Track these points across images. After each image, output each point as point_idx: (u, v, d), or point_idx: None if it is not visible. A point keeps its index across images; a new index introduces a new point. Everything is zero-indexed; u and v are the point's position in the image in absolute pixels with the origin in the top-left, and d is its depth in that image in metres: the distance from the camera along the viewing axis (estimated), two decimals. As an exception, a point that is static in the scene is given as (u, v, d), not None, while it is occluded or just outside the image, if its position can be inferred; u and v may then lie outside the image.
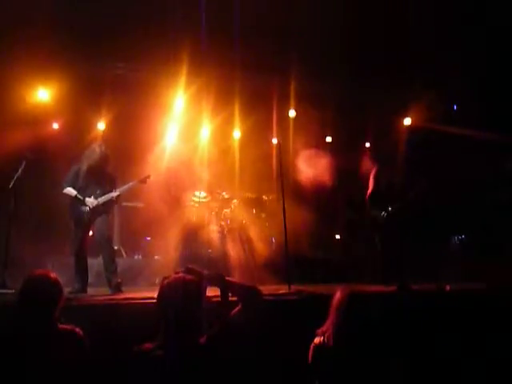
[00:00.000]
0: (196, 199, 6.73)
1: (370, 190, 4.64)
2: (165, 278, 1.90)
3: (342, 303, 2.25)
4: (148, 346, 1.81)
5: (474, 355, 3.09)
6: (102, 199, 4.31)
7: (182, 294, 1.80)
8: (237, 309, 1.94)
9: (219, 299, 2.02)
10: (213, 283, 2.00)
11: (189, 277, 1.89)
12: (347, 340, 2.18)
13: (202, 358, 1.77)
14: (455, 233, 5.84)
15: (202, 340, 1.83)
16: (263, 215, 6.63)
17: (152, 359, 1.76)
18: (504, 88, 5.51)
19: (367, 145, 7.33)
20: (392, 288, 4.07)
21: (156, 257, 6.43)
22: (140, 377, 1.75)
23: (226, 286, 2.01)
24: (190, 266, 1.96)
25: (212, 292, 2.06)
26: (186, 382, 1.71)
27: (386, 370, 2.14)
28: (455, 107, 6.47)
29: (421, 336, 3.12)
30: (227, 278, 2.03)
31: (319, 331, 2.32)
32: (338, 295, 2.31)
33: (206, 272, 1.98)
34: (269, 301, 3.54)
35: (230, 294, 2.03)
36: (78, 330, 2.09)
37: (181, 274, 1.90)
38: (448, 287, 3.94)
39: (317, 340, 2.29)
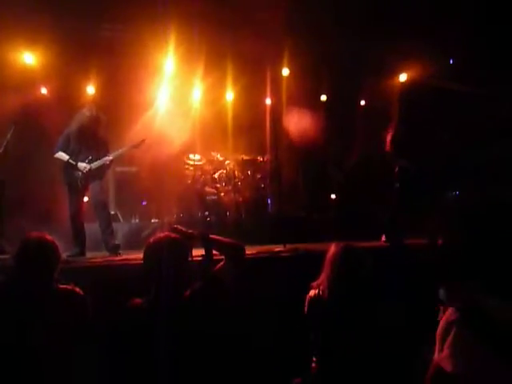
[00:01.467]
0: (190, 162, 6.71)
1: (390, 139, 4.57)
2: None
3: (336, 257, 2.32)
4: (137, 300, 1.93)
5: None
6: (95, 164, 4.28)
7: (166, 252, 1.88)
8: (220, 264, 2.02)
9: (204, 257, 2.09)
10: (197, 241, 2.06)
11: (173, 235, 1.97)
12: (341, 292, 2.25)
13: (186, 310, 1.86)
14: (451, 189, 5.87)
15: (187, 294, 1.91)
16: (258, 176, 6.63)
17: (140, 312, 1.87)
18: (501, 40, 5.38)
19: (362, 102, 7.23)
20: (385, 243, 4.15)
21: (153, 220, 6.49)
22: (130, 328, 1.85)
23: (210, 244, 2.08)
24: (175, 226, 2.05)
25: (199, 251, 2.12)
26: (171, 332, 1.79)
27: (379, 321, 2.22)
28: (451, 61, 6.33)
29: (411, 288, 3.20)
30: (211, 236, 2.09)
31: (314, 284, 2.39)
32: (332, 249, 2.38)
33: (190, 231, 2.05)
34: (264, 258, 3.63)
35: (214, 252, 2.12)
36: (78, 289, 2.14)
37: (165, 234, 1.97)
38: (440, 242, 4.01)
39: (312, 292, 2.36)
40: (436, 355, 1.48)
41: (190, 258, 1.99)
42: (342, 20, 5.72)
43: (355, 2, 5.43)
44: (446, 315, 1.49)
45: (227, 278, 1.97)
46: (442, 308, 1.67)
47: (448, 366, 1.42)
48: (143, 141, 4.57)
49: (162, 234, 1.99)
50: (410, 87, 5.98)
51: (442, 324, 1.50)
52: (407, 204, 4.60)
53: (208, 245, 2.10)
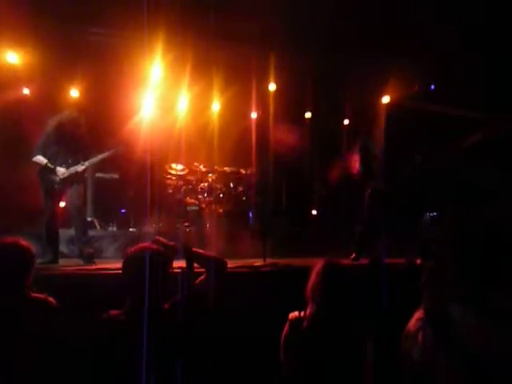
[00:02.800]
0: (173, 171, 6.64)
1: (359, 163, 4.66)
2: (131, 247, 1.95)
3: (320, 275, 2.25)
4: (114, 312, 1.88)
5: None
6: (73, 169, 4.19)
7: (147, 263, 1.83)
8: (201, 278, 1.99)
9: (185, 269, 2.06)
10: (179, 254, 2.03)
11: (154, 246, 1.94)
12: (326, 313, 2.18)
13: (164, 322, 1.83)
14: (428, 210, 5.98)
15: (166, 306, 1.88)
16: (241, 189, 6.61)
17: (117, 324, 1.81)
18: (481, 68, 5.57)
19: (346, 122, 7.34)
20: (364, 261, 4.17)
21: (131, 229, 6.37)
22: (107, 341, 1.79)
23: (192, 257, 2.05)
24: (157, 237, 2.01)
25: (179, 264, 2.09)
26: (148, 345, 1.75)
27: (362, 343, 2.17)
28: (433, 87, 6.51)
29: (392, 308, 3.21)
30: (194, 249, 2.07)
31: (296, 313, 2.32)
32: (317, 267, 2.30)
33: (172, 243, 2.01)
34: (244, 273, 3.58)
35: (196, 266, 2.09)
36: (51, 299, 2.06)
37: (146, 244, 1.94)
38: (418, 261, 4.06)
39: (293, 314, 2.29)
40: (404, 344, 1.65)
41: (170, 270, 1.95)
42: (327, 40, 5.83)
43: (340, 23, 5.54)
44: (418, 313, 1.67)
45: (208, 293, 1.94)
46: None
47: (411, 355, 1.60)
48: (121, 148, 4.51)
49: (142, 245, 1.94)
50: (390, 109, 6.12)
51: (413, 319, 1.68)
52: (381, 225, 4.68)
53: (190, 258, 2.07)
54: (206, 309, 1.94)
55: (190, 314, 1.88)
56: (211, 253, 2.12)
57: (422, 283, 1.79)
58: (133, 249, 1.94)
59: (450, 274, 1.68)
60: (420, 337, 1.62)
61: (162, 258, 1.92)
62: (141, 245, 1.95)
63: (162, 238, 2.04)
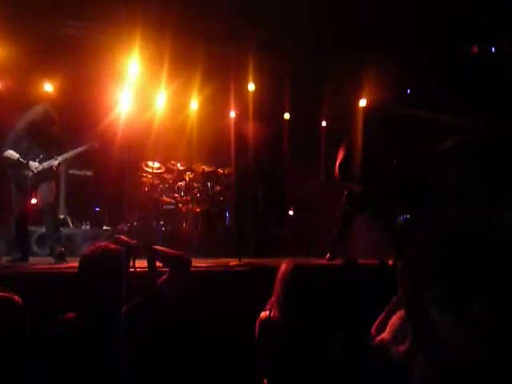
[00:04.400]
0: (149, 169, 6.56)
1: (338, 162, 4.72)
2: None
3: (286, 276, 2.26)
4: (70, 315, 1.80)
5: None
6: (46, 164, 4.08)
7: (101, 263, 1.77)
8: (163, 277, 1.95)
9: (147, 269, 2.01)
10: (140, 253, 1.98)
11: (112, 246, 1.87)
12: (291, 313, 2.19)
13: (123, 326, 1.75)
14: (401, 212, 6.10)
15: (124, 309, 1.81)
16: (218, 188, 6.59)
17: (72, 328, 1.74)
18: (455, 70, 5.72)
19: (323, 123, 7.42)
20: (338, 261, 4.23)
21: (105, 227, 6.25)
22: (61, 345, 1.72)
23: (153, 256, 2.00)
24: (117, 236, 1.96)
25: (142, 263, 2.04)
26: (104, 350, 1.69)
27: (331, 342, 2.19)
28: (409, 91, 6.65)
29: (363, 308, 3.26)
30: (155, 247, 2.02)
31: (267, 306, 2.34)
32: (282, 268, 2.31)
33: (133, 242, 1.96)
34: (218, 271, 3.57)
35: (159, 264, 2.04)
36: (16, 298, 1.99)
37: (103, 244, 1.87)
38: (390, 262, 4.14)
39: (262, 314, 2.30)
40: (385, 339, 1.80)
41: (131, 270, 1.89)
42: (304, 42, 5.88)
43: (318, 24, 5.58)
44: (400, 313, 1.79)
45: (171, 292, 1.89)
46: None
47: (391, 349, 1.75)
48: (94, 145, 4.42)
49: (99, 244, 1.87)
50: (367, 112, 6.22)
51: (394, 317, 1.81)
52: (357, 226, 4.77)
53: (152, 256, 2.01)
54: (168, 310, 1.88)
55: (151, 316, 1.82)
56: (175, 251, 2.06)
57: (398, 281, 1.87)
58: (89, 248, 1.87)
59: (425, 276, 1.76)
60: (400, 336, 1.73)
61: (118, 257, 1.84)
62: (98, 244, 1.87)
63: (122, 237, 1.97)
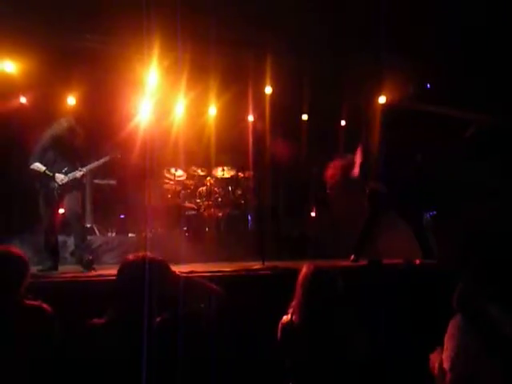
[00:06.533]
0: (171, 176, 6.66)
1: (359, 161, 4.67)
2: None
3: (306, 280, 2.26)
4: (97, 321, 1.81)
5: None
6: (71, 175, 4.20)
7: (142, 271, 1.78)
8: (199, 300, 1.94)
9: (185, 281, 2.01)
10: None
11: (151, 256, 1.88)
12: (311, 317, 2.19)
13: (153, 337, 1.75)
14: (426, 210, 5.97)
15: (155, 321, 1.81)
16: (239, 192, 6.62)
17: (99, 334, 1.76)
18: (478, 65, 5.58)
19: (343, 123, 7.35)
20: (362, 263, 4.17)
21: (130, 234, 6.37)
22: (87, 350, 1.74)
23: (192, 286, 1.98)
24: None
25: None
26: (129, 359, 1.69)
27: (351, 345, 2.17)
28: (428, 86, 6.52)
29: (389, 310, 3.20)
30: (194, 279, 2.01)
31: (289, 309, 2.33)
32: (303, 271, 2.31)
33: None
34: (242, 275, 3.59)
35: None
36: (45, 305, 2.05)
37: (143, 253, 1.88)
38: (418, 261, 4.07)
39: (284, 318, 2.30)
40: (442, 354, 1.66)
41: (167, 283, 1.88)
42: (323, 41, 5.85)
43: (337, 24, 5.55)
44: (454, 320, 1.67)
45: (203, 317, 1.90)
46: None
47: (448, 365, 1.60)
48: (117, 155, 4.53)
49: (141, 253, 1.90)
50: (387, 109, 6.13)
51: (449, 327, 1.68)
52: (381, 225, 4.69)
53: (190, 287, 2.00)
54: (200, 331, 1.87)
55: (181, 334, 1.80)
56: (211, 285, 2.05)
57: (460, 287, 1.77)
58: (130, 256, 1.90)
59: (481, 277, 1.70)
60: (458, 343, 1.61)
61: (160, 267, 1.86)
62: (139, 253, 1.90)
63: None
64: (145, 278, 1.78)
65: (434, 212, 6.17)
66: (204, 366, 1.88)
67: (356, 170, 4.69)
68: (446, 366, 1.62)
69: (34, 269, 3.94)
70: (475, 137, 5.10)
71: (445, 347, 1.67)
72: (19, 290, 2.01)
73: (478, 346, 1.55)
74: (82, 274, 3.77)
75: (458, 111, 5.75)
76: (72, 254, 4.18)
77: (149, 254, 1.90)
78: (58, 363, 1.84)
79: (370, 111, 6.05)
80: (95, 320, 1.82)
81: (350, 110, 6.88)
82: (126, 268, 1.86)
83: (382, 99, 6.47)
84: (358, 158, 4.69)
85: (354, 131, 6.33)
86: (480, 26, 5.25)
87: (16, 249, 2.09)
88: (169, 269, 1.92)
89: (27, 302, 2.03)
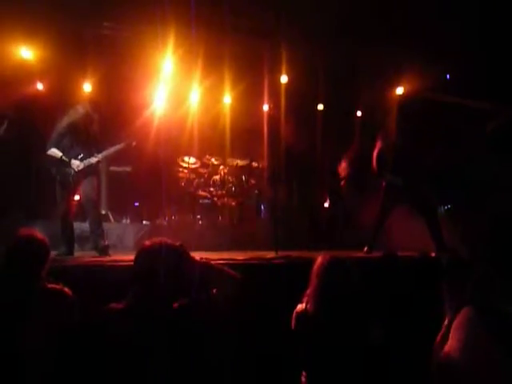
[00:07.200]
0: (185, 164, 6.67)
1: (376, 153, 4.61)
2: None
3: (321, 269, 2.25)
4: (115, 306, 1.80)
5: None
6: (87, 162, 4.23)
7: (160, 258, 1.77)
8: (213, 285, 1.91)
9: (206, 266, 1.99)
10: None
11: (169, 242, 1.86)
12: (326, 306, 2.18)
13: (173, 322, 1.75)
14: (442, 203, 5.90)
15: (174, 306, 1.80)
16: (252, 182, 6.61)
17: (117, 319, 1.74)
18: (497, 57, 5.44)
19: (359, 113, 7.26)
20: (376, 254, 4.14)
21: (144, 222, 6.42)
22: (104, 335, 1.73)
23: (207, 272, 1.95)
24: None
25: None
26: (146, 345, 1.69)
27: (366, 335, 2.16)
28: (448, 76, 6.38)
29: (401, 302, 3.18)
30: (211, 264, 1.99)
31: (303, 298, 2.33)
32: (318, 261, 2.30)
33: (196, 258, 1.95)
34: (255, 264, 3.59)
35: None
36: (66, 289, 2.08)
37: (161, 239, 1.87)
38: (432, 254, 4.02)
39: (299, 307, 2.30)
40: (447, 348, 1.58)
41: (185, 268, 1.85)
42: (340, 31, 5.77)
43: (354, 13, 5.46)
44: (463, 313, 1.60)
45: (220, 304, 1.88)
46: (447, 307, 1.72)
47: (456, 359, 1.53)
48: (132, 143, 4.53)
49: (159, 238, 1.87)
50: (405, 100, 6.02)
51: (457, 320, 1.61)
52: (395, 218, 4.64)
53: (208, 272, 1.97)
54: (220, 320, 1.87)
55: (198, 320, 1.80)
56: (230, 270, 2.04)
57: (471, 283, 1.73)
58: (148, 242, 1.89)
59: (496, 273, 1.64)
60: (467, 336, 1.56)
61: (177, 253, 1.85)
62: (157, 238, 1.88)
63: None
64: (162, 263, 1.78)
65: (449, 206, 6.09)
66: (219, 352, 1.88)
67: (373, 163, 4.63)
68: (450, 355, 1.59)
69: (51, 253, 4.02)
70: (497, 129, 4.98)
71: (451, 336, 1.63)
72: (42, 274, 2.05)
73: (487, 339, 1.51)
74: (97, 259, 3.82)
75: (478, 103, 5.62)
76: (87, 239, 4.22)
77: (166, 239, 1.90)
78: (76, 347, 1.86)
79: (388, 102, 5.96)
80: (113, 305, 1.82)
81: (366, 101, 6.78)
82: (143, 253, 1.86)
83: (399, 90, 6.37)
84: (376, 150, 4.63)
85: (370, 122, 6.26)
86: (500, 16, 5.12)
87: (38, 233, 2.12)
88: (187, 254, 1.91)
89: (49, 285, 2.06)
